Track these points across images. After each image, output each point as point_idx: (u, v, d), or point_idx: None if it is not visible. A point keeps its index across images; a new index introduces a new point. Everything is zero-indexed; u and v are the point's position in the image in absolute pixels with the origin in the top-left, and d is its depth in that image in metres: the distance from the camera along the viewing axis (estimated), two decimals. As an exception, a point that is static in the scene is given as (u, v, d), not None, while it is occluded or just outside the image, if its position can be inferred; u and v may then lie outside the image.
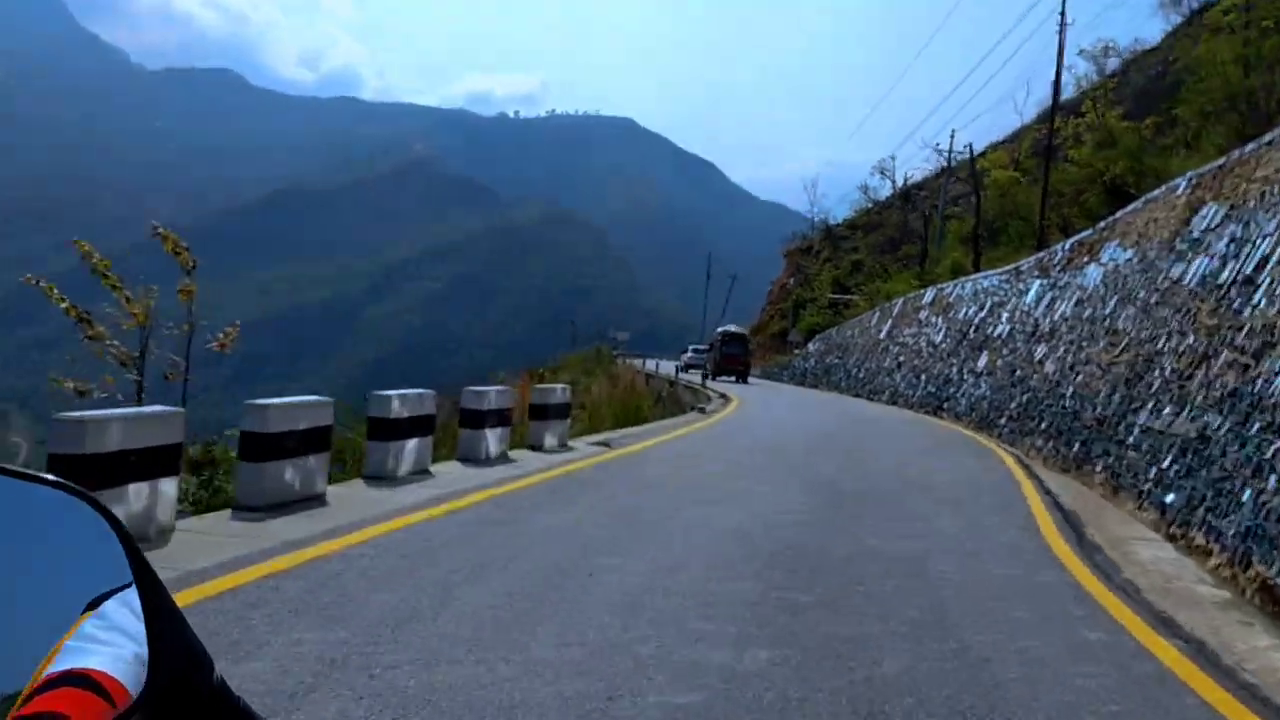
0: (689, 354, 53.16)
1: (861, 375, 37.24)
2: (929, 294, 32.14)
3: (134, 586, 0.65)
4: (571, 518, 8.28)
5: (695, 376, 40.66)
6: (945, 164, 51.84)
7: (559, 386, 15.24)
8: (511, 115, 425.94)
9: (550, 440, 13.59)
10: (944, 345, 27.98)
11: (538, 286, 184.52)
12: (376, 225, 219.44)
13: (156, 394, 10.11)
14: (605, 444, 14.69)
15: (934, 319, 29.97)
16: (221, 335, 10.76)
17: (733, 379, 42.71)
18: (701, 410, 24.41)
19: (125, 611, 0.64)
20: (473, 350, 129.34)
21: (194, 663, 0.64)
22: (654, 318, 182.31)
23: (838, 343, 44.64)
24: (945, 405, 25.97)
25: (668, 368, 44.27)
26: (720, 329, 49.08)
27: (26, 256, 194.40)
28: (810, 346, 51.18)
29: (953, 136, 57.44)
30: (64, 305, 9.42)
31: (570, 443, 14.29)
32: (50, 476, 0.70)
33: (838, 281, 61.09)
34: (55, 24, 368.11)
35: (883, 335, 36.15)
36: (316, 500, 8.20)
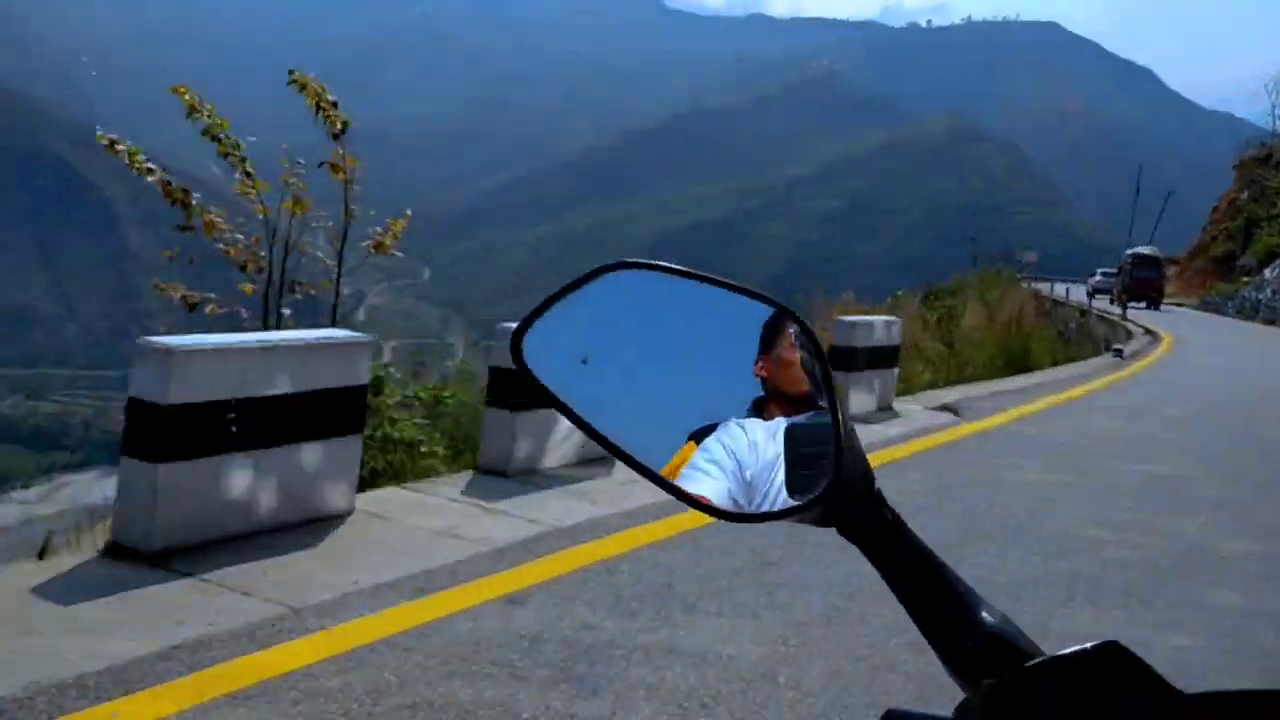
0: (1097, 277, 49.85)
1: None
2: None
3: (734, 425, 0.75)
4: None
5: (1106, 303, 37.74)
6: None
7: (881, 320, 10.43)
8: (923, 25, 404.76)
9: (866, 400, 9.35)
10: None
11: (942, 204, 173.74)
12: (776, 144, 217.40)
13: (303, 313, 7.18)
14: (953, 410, 9.93)
15: None
16: (379, 231, 6.95)
17: (1144, 305, 40.26)
18: (1118, 353, 18.54)
19: (720, 449, 0.74)
20: (870, 270, 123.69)
21: (863, 469, 0.73)
22: (1072, 238, 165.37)
23: None
24: None
25: (1081, 294, 39.61)
26: (1130, 251, 45.34)
27: (460, 176, 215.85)
28: (1268, 273, 42.21)
29: None
30: (151, 176, 6.19)
31: (899, 404, 9.82)
32: (760, 291, 0.81)
33: None
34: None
35: None
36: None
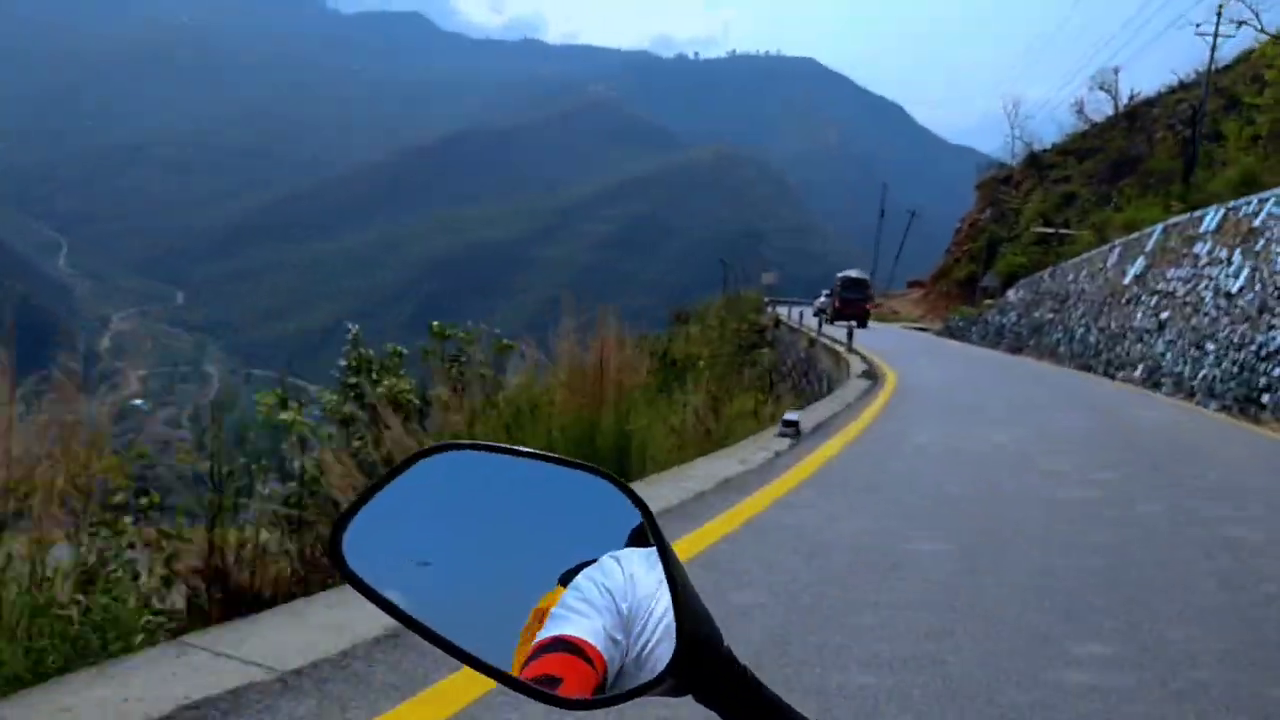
0: (821, 298, 50.24)
1: (1094, 339, 25.78)
2: (1211, 217, 21.07)
3: (607, 560, 0.73)
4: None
5: (834, 328, 37.93)
6: (1211, 49, 36.99)
7: None
8: (691, 56, 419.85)
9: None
10: (1249, 297, 17.10)
11: (712, 228, 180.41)
12: (553, 166, 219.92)
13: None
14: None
15: (1223, 253, 19.25)
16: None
17: (854, 324, 42.24)
18: (791, 430, 9.80)
19: (592, 586, 0.72)
20: (650, 291, 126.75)
21: (709, 631, 0.70)
22: (829, 263, 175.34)
23: (1052, 291, 32.58)
24: (1266, 395, 15.09)
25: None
26: (839, 274, 48.35)
27: (228, 193, 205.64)
28: (1011, 295, 39.44)
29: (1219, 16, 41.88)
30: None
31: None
32: (585, 463, 0.77)
33: (1044, 217, 50.69)
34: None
35: (1128, 280, 24.55)
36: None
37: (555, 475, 0.78)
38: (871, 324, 44.81)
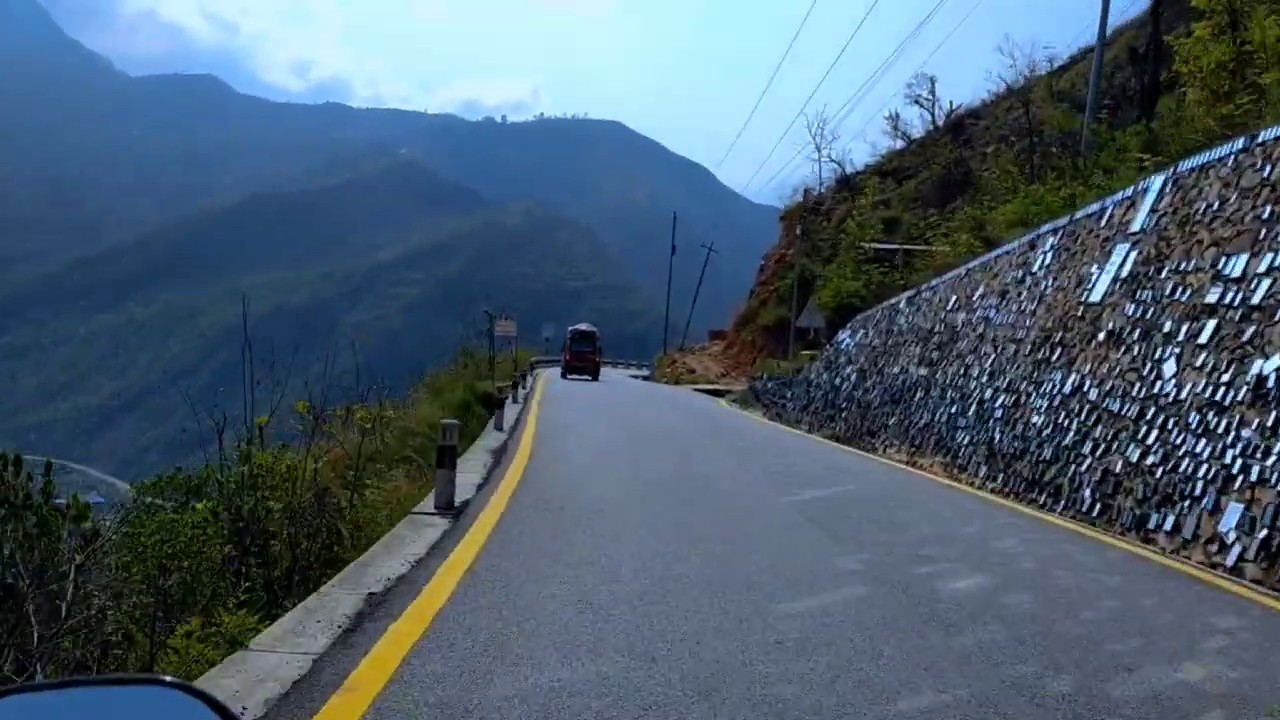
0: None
1: (1040, 422, 14.06)
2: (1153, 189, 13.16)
3: None
4: None
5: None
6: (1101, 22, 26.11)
7: None
8: (499, 120, 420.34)
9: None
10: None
11: (526, 288, 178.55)
12: (358, 230, 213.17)
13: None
14: None
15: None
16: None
17: (587, 377, 43.92)
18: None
19: None
20: (451, 354, 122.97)
21: None
22: (645, 318, 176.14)
23: (919, 328, 21.13)
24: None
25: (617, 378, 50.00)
26: (570, 328, 49.38)
27: (6, 261, 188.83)
28: (845, 339, 27.38)
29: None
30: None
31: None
32: (154, 676, 0.72)
33: (858, 248, 42.73)
34: (36, 30, 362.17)
35: (1100, 295, 13.70)
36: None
37: (121, 697, 0.72)
38: (662, 387, 46.34)
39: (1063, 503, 12.49)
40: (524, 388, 28.17)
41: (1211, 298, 10.85)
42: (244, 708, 3.81)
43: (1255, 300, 10.03)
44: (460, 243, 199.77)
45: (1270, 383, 9.32)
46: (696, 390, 43.62)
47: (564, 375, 44.08)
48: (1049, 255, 16.37)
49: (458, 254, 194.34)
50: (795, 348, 40.47)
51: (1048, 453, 13.43)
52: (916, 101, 51.19)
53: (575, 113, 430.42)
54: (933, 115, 51.05)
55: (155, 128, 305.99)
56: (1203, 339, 10.76)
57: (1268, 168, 10.57)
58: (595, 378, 45.10)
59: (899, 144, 53.33)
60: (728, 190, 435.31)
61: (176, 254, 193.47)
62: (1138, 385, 11.86)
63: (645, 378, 56.37)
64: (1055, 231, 16.54)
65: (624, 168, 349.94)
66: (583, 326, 49.36)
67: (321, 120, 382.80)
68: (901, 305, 23.30)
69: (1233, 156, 11.45)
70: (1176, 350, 11.23)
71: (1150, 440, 11.02)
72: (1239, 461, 9.35)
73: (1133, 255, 13.29)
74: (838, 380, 25.53)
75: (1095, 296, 13.97)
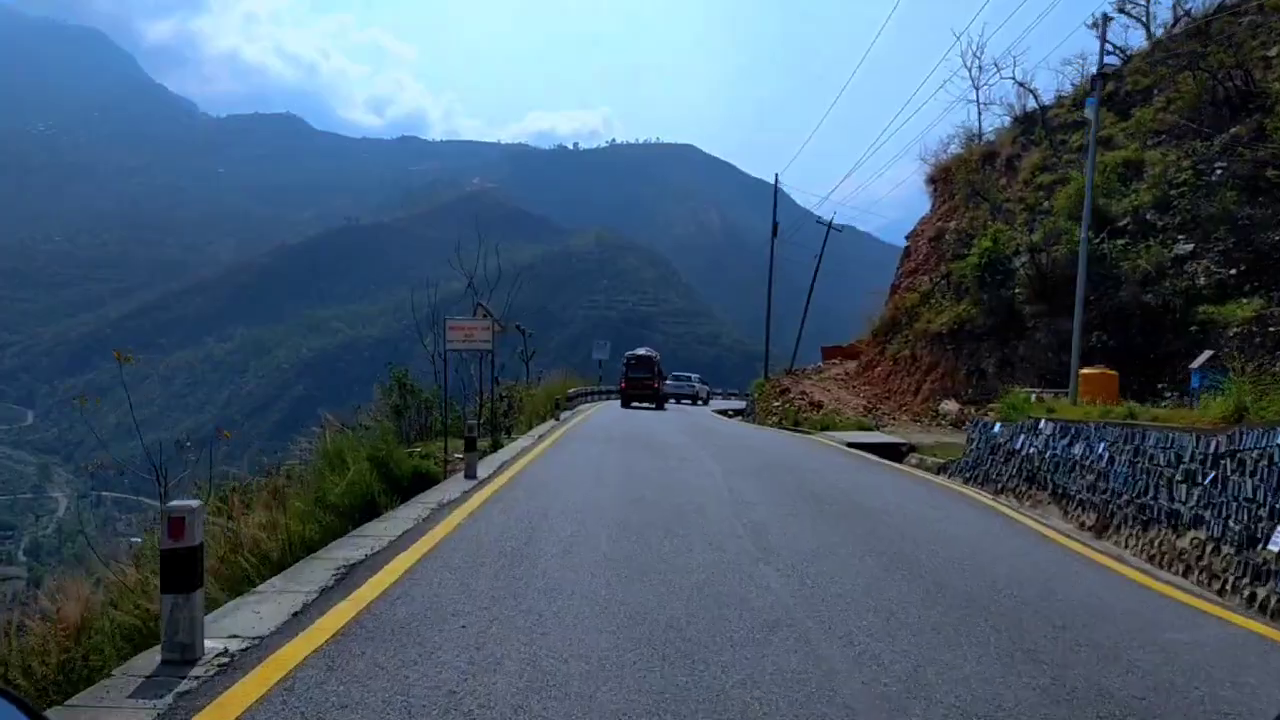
0: (670, 382, 52.94)
1: None
2: None
3: None
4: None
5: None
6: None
7: None
8: (570, 147, 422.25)
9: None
10: None
11: (596, 315, 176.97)
12: (431, 262, 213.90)
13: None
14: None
15: None
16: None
17: (649, 406, 41.37)
18: None
19: None
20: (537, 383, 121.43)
21: None
22: (720, 345, 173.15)
23: None
24: None
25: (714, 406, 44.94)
26: (627, 353, 45.94)
27: (90, 299, 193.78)
28: None
29: None
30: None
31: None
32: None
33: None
34: (125, 75, 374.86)
35: None
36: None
37: None
38: (785, 442, 23.59)
39: None
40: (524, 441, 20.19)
41: None
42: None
43: None
44: (531, 271, 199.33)
45: None
46: (853, 447, 21.67)
47: (624, 405, 41.85)
48: None
49: (529, 283, 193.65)
50: (996, 374, 27.25)
51: None
52: (1123, 10, 35.70)
53: (647, 138, 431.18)
54: (1146, 26, 36.06)
55: (237, 164, 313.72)
56: None
57: None
58: (659, 406, 42.86)
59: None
60: (804, 210, 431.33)
61: (254, 289, 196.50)
62: None
63: (745, 414, 43.56)
64: None
65: (696, 191, 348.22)
66: (641, 351, 46.45)
67: (397, 154, 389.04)
68: None
69: None
70: None
71: None
72: None
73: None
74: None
75: None
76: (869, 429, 26.41)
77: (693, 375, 62.26)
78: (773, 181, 58.02)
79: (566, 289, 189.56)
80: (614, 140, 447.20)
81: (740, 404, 51.71)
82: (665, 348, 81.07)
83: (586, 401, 42.88)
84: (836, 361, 47.50)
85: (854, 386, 38.18)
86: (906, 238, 41.13)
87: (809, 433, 27.65)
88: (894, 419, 29.53)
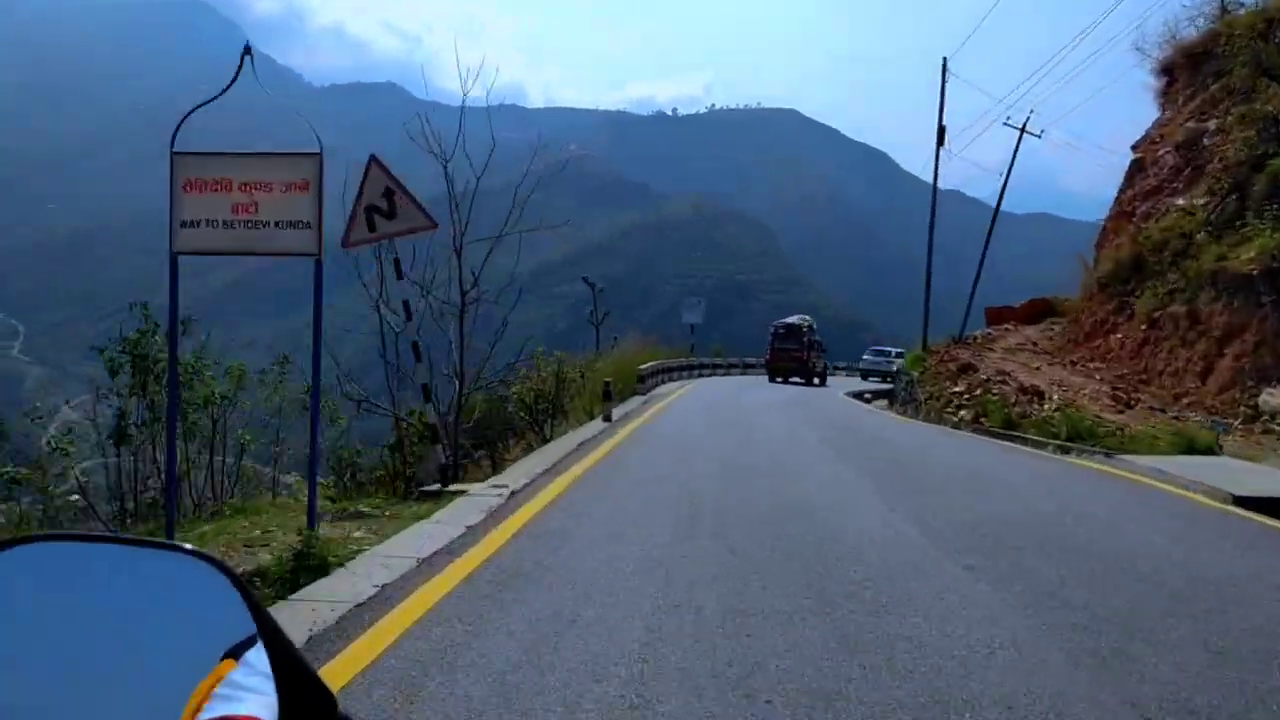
0: (869, 356, 49.36)
1: None
2: None
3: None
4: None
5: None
6: None
7: None
8: (670, 113, 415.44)
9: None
10: None
11: (698, 285, 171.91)
12: (525, 227, 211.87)
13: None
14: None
15: None
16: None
17: (801, 381, 38.14)
18: None
19: (266, 658, 0.68)
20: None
21: (319, 701, 0.70)
22: (820, 316, 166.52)
23: None
24: None
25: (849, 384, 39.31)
26: (774, 322, 42.36)
27: (200, 270, 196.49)
28: None
29: None
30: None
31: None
32: (176, 543, 0.76)
33: None
34: (229, 47, 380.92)
35: None
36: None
37: (144, 557, 0.74)
38: (1038, 470, 14.23)
39: None
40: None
41: None
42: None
43: None
44: (627, 238, 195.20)
45: None
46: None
47: (771, 379, 39.10)
48: None
49: (624, 250, 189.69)
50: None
51: None
52: None
53: (748, 102, 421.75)
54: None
55: (339, 133, 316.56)
56: None
57: None
58: (808, 382, 39.11)
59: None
60: (910, 176, 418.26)
61: (350, 258, 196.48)
62: None
63: (896, 401, 31.80)
64: None
65: (798, 156, 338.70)
66: (792, 320, 42.27)
67: (495, 121, 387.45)
68: None
69: None
70: None
71: None
72: None
73: None
74: None
75: None
76: (1208, 451, 14.99)
77: (892, 350, 47.78)
78: (877, 145, 48.37)
79: (663, 256, 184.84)
80: (714, 105, 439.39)
81: (864, 383, 42.03)
82: (764, 317, 75.96)
83: (672, 379, 33.53)
84: (1011, 327, 33.25)
85: (1070, 363, 25.69)
86: (1134, 148, 30.06)
87: (1079, 459, 15.33)
88: (1180, 419, 18.80)
